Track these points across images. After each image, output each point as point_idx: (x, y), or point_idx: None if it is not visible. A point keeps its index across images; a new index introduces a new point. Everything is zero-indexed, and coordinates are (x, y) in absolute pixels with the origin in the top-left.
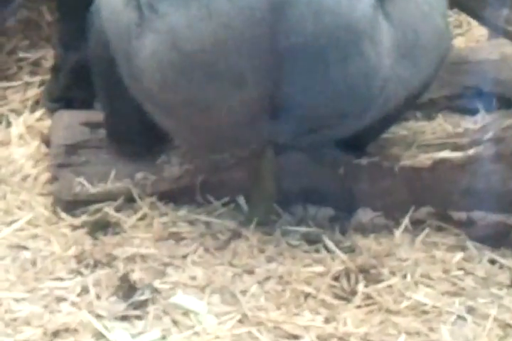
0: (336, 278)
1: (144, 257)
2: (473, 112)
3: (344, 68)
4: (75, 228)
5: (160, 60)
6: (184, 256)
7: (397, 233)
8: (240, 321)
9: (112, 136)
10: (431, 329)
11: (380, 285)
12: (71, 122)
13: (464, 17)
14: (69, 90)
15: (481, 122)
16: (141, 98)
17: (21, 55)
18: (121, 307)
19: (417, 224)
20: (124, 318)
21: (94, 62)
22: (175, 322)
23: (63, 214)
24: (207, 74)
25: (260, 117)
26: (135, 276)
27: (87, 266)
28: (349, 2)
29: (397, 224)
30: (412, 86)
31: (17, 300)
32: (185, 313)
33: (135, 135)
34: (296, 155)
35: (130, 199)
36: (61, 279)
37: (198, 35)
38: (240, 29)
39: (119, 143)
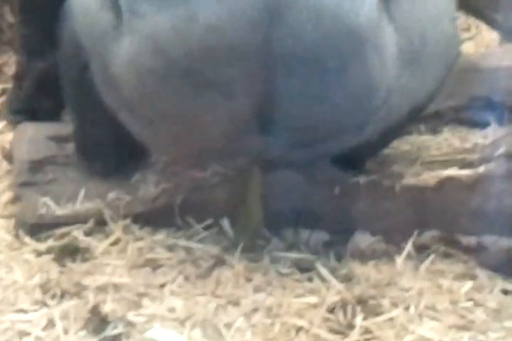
0: (331, 310)
1: (116, 287)
2: (483, 125)
3: (344, 78)
4: (39, 254)
5: (139, 66)
6: (162, 286)
7: (399, 260)
8: None
9: (82, 152)
10: None
11: (380, 318)
12: (36, 136)
13: (473, 19)
14: (33, 100)
15: (492, 136)
16: (116, 108)
17: None
18: None
19: (421, 250)
20: None
21: (64, 68)
22: None
23: (27, 239)
24: (192, 83)
25: (250, 129)
26: (107, 308)
27: (53, 297)
28: (352, 5)
29: (399, 250)
30: (417, 97)
31: None
32: None
33: (107, 150)
34: (287, 172)
35: (101, 222)
36: (24, 311)
37: (183, 40)
38: (231, 33)
39: (90, 159)
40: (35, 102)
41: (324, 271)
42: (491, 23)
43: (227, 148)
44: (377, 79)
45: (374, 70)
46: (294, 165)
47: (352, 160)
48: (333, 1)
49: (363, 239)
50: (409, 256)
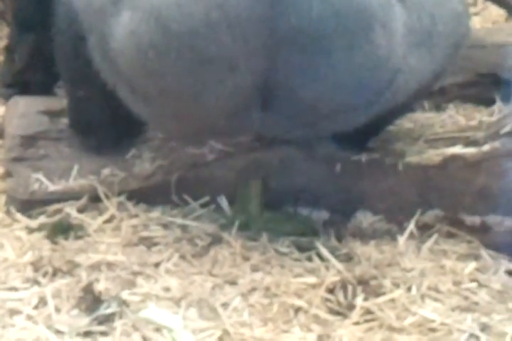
0: (331, 291)
1: (110, 265)
2: (488, 102)
3: (350, 57)
4: (31, 231)
5: (140, 41)
6: (157, 264)
7: (401, 239)
8: (221, 338)
9: (76, 126)
10: None
11: (382, 299)
12: (28, 110)
13: None
14: (25, 73)
15: (498, 114)
16: (114, 83)
17: None
18: (84, 321)
19: (424, 230)
20: (87, 334)
21: (58, 40)
22: (146, 340)
23: (18, 215)
24: (194, 58)
25: (251, 106)
26: (100, 287)
27: (45, 275)
28: None
29: (401, 230)
30: (424, 78)
31: None
32: (158, 329)
33: (102, 125)
34: (286, 149)
35: (95, 199)
36: (15, 289)
37: (185, 15)
38: (235, 9)
39: (84, 134)
40: (27, 75)
41: (324, 251)
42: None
43: (229, 124)
44: (384, 60)
45: (381, 50)
46: (295, 142)
47: (354, 138)
48: None
49: (364, 218)
50: (411, 236)
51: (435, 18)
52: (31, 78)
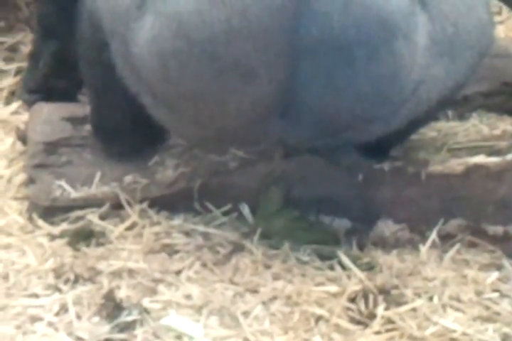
0: (352, 300)
1: (132, 272)
2: None
3: (371, 67)
4: (53, 238)
5: (161, 47)
6: (178, 272)
7: (423, 249)
8: None
9: (99, 133)
10: None
11: (403, 308)
12: (51, 116)
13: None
14: (49, 79)
15: None
16: (137, 89)
17: None
18: (104, 329)
19: (446, 239)
20: None
21: (82, 47)
22: None
23: (40, 222)
24: (215, 66)
25: (272, 114)
26: (121, 294)
27: (66, 282)
28: None
29: (424, 239)
30: (446, 88)
31: None
32: (179, 337)
33: (125, 132)
34: (309, 158)
35: (117, 206)
36: (36, 296)
37: (207, 22)
38: (256, 17)
39: (106, 141)
40: (51, 81)
41: (346, 259)
42: None
43: (249, 132)
44: (406, 70)
45: (403, 61)
46: (317, 151)
47: (377, 147)
48: None
49: (386, 227)
50: (433, 245)
51: (459, 27)
52: (55, 84)
